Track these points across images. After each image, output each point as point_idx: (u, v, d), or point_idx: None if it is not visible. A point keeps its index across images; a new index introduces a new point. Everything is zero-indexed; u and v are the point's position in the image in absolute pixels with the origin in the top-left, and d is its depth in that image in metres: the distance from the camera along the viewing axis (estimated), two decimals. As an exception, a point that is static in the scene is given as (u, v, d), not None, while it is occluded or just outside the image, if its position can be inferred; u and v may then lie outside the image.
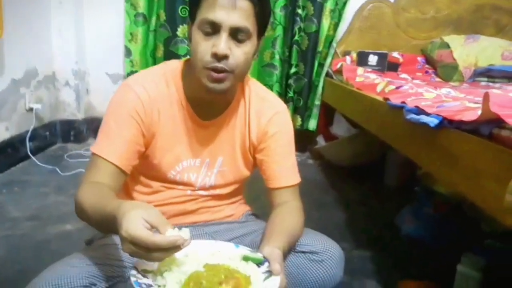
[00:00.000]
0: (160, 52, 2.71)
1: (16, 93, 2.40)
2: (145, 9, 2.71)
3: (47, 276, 0.76)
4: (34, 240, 1.58)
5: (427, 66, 2.67)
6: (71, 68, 2.84)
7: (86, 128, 2.94)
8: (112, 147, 0.88)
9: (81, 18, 2.82)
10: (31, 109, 2.53)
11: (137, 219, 0.65)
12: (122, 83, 0.96)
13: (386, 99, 1.40)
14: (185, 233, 0.66)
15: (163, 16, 2.67)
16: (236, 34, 0.84)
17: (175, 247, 0.65)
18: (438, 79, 2.50)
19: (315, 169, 2.72)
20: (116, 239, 0.96)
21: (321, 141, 2.78)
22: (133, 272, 0.68)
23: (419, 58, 2.70)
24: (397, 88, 1.54)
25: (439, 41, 2.60)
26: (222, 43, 0.83)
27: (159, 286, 0.67)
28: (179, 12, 2.65)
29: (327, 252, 0.93)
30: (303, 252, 0.93)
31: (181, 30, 2.66)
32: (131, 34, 2.74)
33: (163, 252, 0.65)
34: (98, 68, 2.92)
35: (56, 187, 2.10)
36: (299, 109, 2.83)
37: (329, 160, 2.71)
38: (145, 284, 0.66)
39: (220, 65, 0.84)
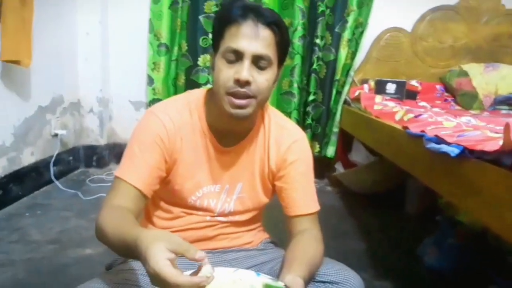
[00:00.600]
0: (181, 81, 2.79)
1: (42, 119, 2.48)
2: (167, 40, 2.80)
3: (68, 300, 0.78)
4: (54, 263, 1.60)
5: (446, 94, 2.67)
6: (95, 96, 2.94)
7: (108, 154, 3.00)
8: (135, 171, 0.91)
9: (106, 48, 2.93)
10: (56, 135, 2.60)
11: (161, 252, 0.65)
12: (147, 111, 1.00)
13: (405, 127, 1.40)
14: (208, 269, 0.67)
15: (184, 47, 2.76)
16: (258, 61, 0.87)
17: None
18: (458, 107, 2.49)
19: (333, 196, 2.70)
20: (135, 265, 0.98)
21: (339, 168, 2.77)
22: None
23: (438, 86, 2.71)
24: (416, 116, 1.54)
25: (458, 69, 2.61)
26: (245, 70, 0.86)
27: None
28: (200, 42, 2.73)
29: (347, 283, 0.92)
30: (323, 282, 0.92)
31: (202, 60, 2.74)
32: (154, 63, 2.83)
33: None
34: (121, 96, 3.01)
35: (77, 211, 2.14)
36: (317, 136, 2.85)
37: (348, 187, 2.69)
38: None
39: (242, 89, 0.87)
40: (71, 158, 2.83)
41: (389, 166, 2.40)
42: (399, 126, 1.50)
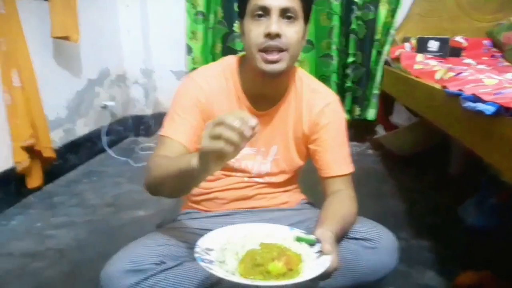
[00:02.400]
0: (218, 49, 2.82)
1: (92, 92, 2.63)
2: (204, 7, 2.82)
3: (125, 254, 0.87)
4: (111, 224, 1.75)
5: (493, 49, 2.52)
6: (139, 67, 3.05)
7: (155, 123, 3.13)
8: (178, 129, 0.98)
9: (146, 20, 3.00)
10: (105, 106, 2.75)
11: None
12: (186, 77, 1.06)
13: (444, 87, 1.37)
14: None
15: (220, 13, 2.78)
16: (285, 14, 0.91)
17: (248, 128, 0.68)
18: (506, 63, 2.35)
19: (374, 159, 2.69)
20: (184, 223, 1.07)
21: (380, 131, 2.74)
22: (197, 249, 0.76)
23: (485, 42, 2.56)
24: (457, 74, 1.50)
25: (507, 22, 2.45)
26: (274, 23, 0.89)
27: (219, 261, 0.75)
28: (235, 8, 2.73)
29: (380, 240, 0.96)
30: (356, 238, 0.97)
31: (238, 26, 2.73)
32: (192, 32, 2.88)
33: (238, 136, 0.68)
34: (163, 66, 3.09)
35: (129, 177, 2.29)
36: (357, 99, 2.81)
37: (389, 149, 2.67)
38: (207, 260, 0.74)
39: (274, 43, 0.90)
40: (121, 128, 2.99)
41: (432, 126, 2.37)
42: (438, 86, 1.47)
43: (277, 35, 0.90)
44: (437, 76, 1.65)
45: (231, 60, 1.06)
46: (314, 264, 0.75)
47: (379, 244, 0.96)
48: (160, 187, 0.89)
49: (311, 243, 0.81)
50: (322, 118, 1.05)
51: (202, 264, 0.71)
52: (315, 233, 0.83)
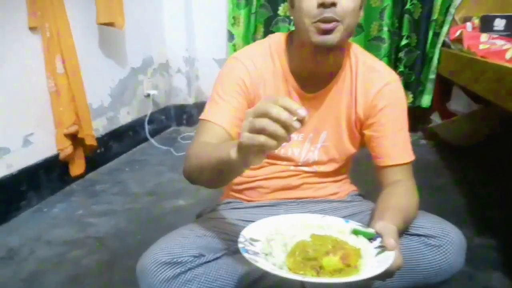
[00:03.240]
0: (260, 34, 2.72)
1: (135, 80, 2.62)
2: (247, -9, 2.73)
3: (162, 245, 0.80)
4: (151, 213, 1.72)
5: None
6: (182, 56, 3.01)
7: (197, 112, 3.09)
8: (220, 112, 0.89)
9: (189, 7, 2.94)
10: (148, 95, 2.74)
11: None
12: (230, 57, 0.97)
13: (519, 64, 1.20)
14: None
15: (264, -4, 2.67)
16: None
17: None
18: None
19: (428, 150, 2.50)
20: (222, 213, 0.99)
21: (436, 119, 2.54)
22: (241, 239, 0.68)
23: (561, 18, 2.28)
24: (533, 52, 1.32)
25: None
26: None
27: (265, 254, 0.66)
28: (280, -10, 2.62)
29: (446, 237, 0.83)
30: (418, 235, 0.85)
31: (282, 9, 2.63)
32: (233, 18, 2.79)
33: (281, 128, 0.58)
34: (205, 54, 3.04)
35: (171, 166, 2.26)
36: (410, 85, 2.61)
37: (445, 139, 2.47)
38: (252, 251, 0.65)
39: (329, 14, 0.80)
40: (163, 117, 2.98)
41: (495, 114, 2.15)
42: (510, 65, 1.30)
43: (332, 4, 0.79)
44: (508, 55, 1.47)
45: (278, 38, 0.96)
46: (375, 261, 0.64)
47: (445, 242, 0.83)
48: (199, 177, 0.82)
49: (370, 238, 0.70)
50: (380, 100, 0.93)
51: (246, 255, 0.63)
52: (375, 226, 0.72)
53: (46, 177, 1.84)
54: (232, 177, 0.79)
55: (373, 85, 0.93)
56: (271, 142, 0.58)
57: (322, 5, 0.79)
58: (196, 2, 2.94)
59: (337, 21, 0.80)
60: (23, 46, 1.72)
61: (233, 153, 0.65)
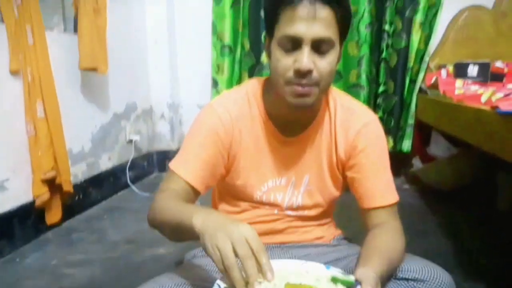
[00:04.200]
0: (245, 80, 2.77)
1: (118, 126, 2.60)
2: (230, 41, 2.80)
3: (138, 294, 0.76)
4: (130, 262, 1.64)
5: (539, 75, 2.36)
6: (166, 102, 3.03)
7: (179, 158, 3.06)
8: (188, 166, 0.88)
9: (174, 55, 3.00)
10: (130, 141, 2.71)
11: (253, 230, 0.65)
12: (207, 104, 0.96)
13: (495, 107, 1.23)
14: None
15: (247, 45, 2.75)
16: (319, 46, 0.79)
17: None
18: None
19: (411, 194, 2.50)
20: (204, 260, 0.95)
21: (417, 163, 2.57)
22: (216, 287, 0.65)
23: (529, 67, 2.40)
24: (507, 95, 1.36)
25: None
26: (305, 58, 0.78)
27: None
28: (262, 39, 2.70)
29: (435, 281, 0.81)
30: (407, 279, 0.82)
31: (264, 57, 2.71)
32: (217, 65, 2.85)
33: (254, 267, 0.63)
34: (190, 101, 3.05)
35: (151, 213, 2.19)
36: (390, 130, 2.67)
37: (427, 183, 2.48)
38: None
39: (304, 81, 0.79)
40: (145, 163, 2.94)
41: (475, 157, 2.19)
42: (487, 108, 1.33)
43: (309, 72, 0.79)
44: (483, 99, 1.52)
45: (255, 83, 0.96)
46: None
47: (435, 285, 0.80)
48: (161, 230, 0.83)
49: (349, 286, 0.67)
50: (360, 140, 0.93)
51: None
52: (356, 273, 0.70)
53: (20, 225, 1.76)
54: (193, 239, 0.76)
55: (352, 126, 0.93)
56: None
57: (297, 73, 0.79)
58: (181, 49, 3.00)
59: (313, 85, 0.80)
60: (4, 89, 1.70)
61: (195, 222, 0.68)
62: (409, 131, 2.57)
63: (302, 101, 0.82)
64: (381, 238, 0.85)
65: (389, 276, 0.80)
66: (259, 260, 0.63)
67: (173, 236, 0.81)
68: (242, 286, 0.62)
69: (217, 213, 0.76)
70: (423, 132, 2.53)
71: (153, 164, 3.04)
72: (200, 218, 0.68)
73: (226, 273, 0.62)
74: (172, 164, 0.90)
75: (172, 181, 0.88)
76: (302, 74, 0.78)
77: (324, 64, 0.80)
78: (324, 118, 0.94)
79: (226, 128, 0.90)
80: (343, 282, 0.68)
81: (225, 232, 0.64)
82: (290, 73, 0.80)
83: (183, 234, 0.73)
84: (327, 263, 0.92)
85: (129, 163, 2.64)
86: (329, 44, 0.79)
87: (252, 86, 0.95)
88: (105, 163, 2.47)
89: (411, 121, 2.56)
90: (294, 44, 0.79)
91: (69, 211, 2.05)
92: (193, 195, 0.88)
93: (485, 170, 2.18)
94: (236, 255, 0.62)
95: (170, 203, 0.81)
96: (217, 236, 0.64)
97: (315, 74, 0.79)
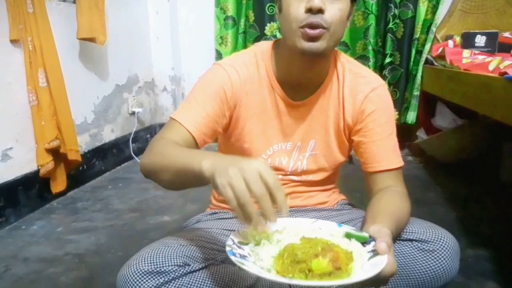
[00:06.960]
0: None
1: (120, 98, 2.59)
2: (234, 12, 2.75)
3: (144, 254, 0.76)
4: (134, 229, 1.66)
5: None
6: (168, 74, 3.00)
7: (182, 131, 3.06)
8: (191, 116, 0.86)
9: (176, 26, 2.95)
10: (133, 113, 2.70)
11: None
12: (214, 63, 0.95)
13: (503, 73, 1.21)
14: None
15: (251, 17, 2.70)
16: None
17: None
18: None
19: (416, 166, 2.50)
20: (210, 223, 0.95)
21: (422, 135, 2.56)
22: (229, 242, 0.65)
23: (538, 37, 2.35)
24: (515, 62, 1.34)
25: None
26: None
27: (254, 256, 0.63)
28: (267, 10, 2.65)
29: (440, 241, 0.81)
30: (411, 240, 0.83)
31: (269, 28, 2.66)
32: (221, 37, 2.81)
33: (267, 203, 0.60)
34: (192, 73, 3.02)
35: (155, 183, 2.19)
36: (395, 102, 2.64)
37: (432, 155, 2.47)
38: (239, 254, 0.62)
39: (315, 19, 0.78)
40: (148, 135, 2.93)
41: (480, 128, 2.17)
42: (494, 75, 1.31)
43: (320, 10, 0.78)
44: (491, 67, 1.49)
45: (264, 46, 0.95)
46: (367, 265, 0.61)
47: (439, 247, 0.81)
48: (157, 175, 0.78)
49: (364, 241, 0.67)
50: (368, 105, 0.92)
51: (233, 258, 0.60)
52: (369, 230, 0.69)
53: (26, 193, 1.78)
54: (196, 186, 0.74)
55: (360, 90, 0.92)
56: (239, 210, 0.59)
57: (309, 11, 0.79)
58: (183, 21, 2.95)
59: (323, 28, 0.80)
60: (5, 59, 1.68)
61: (205, 164, 0.64)
62: (415, 102, 2.55)
63: (313, 46, 0.81)
64: (389, 199, 0.85)
65: (396, 236, 0.80)
66: (275, 196, 0.60)
67: (173, 182, 0.77)
68: (259, 222, 0.61)
69: (227, 156, 0.73)
70: (428, 104, 2.51)
71: (156, 136, 3.04)
72: (210, 160, 0.65)
73: (240, 211, 0.59)
74: (175, 114, 0.88)
75: (171, 130, 0.85)
76: (313, 11, 0.78)
77: (335, 8, 0.80)
78: (332, 82, 0.93)
79: (234, 88, 0.89)
80: (358, 238, 0.68)
81: (238, 168, 0.60)
82: (302, 14, 0.79)
83: (187, 179, 0.71)
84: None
85: (132, 135, 2.63)
86: None
87: (261, 49, 0.94)
88: (108, 135, 2.46)
89: (416, 92, 2.53)
90: None
91: (74, 181, 2.06)
92: (192, 146, 0.85)
93: (489, 141, 2.17)
94: (251, 192, 0.59)
95: (172, 148, 0.78)
96: (229, 173, 0.59)
97: (326, 15, 0.79)
